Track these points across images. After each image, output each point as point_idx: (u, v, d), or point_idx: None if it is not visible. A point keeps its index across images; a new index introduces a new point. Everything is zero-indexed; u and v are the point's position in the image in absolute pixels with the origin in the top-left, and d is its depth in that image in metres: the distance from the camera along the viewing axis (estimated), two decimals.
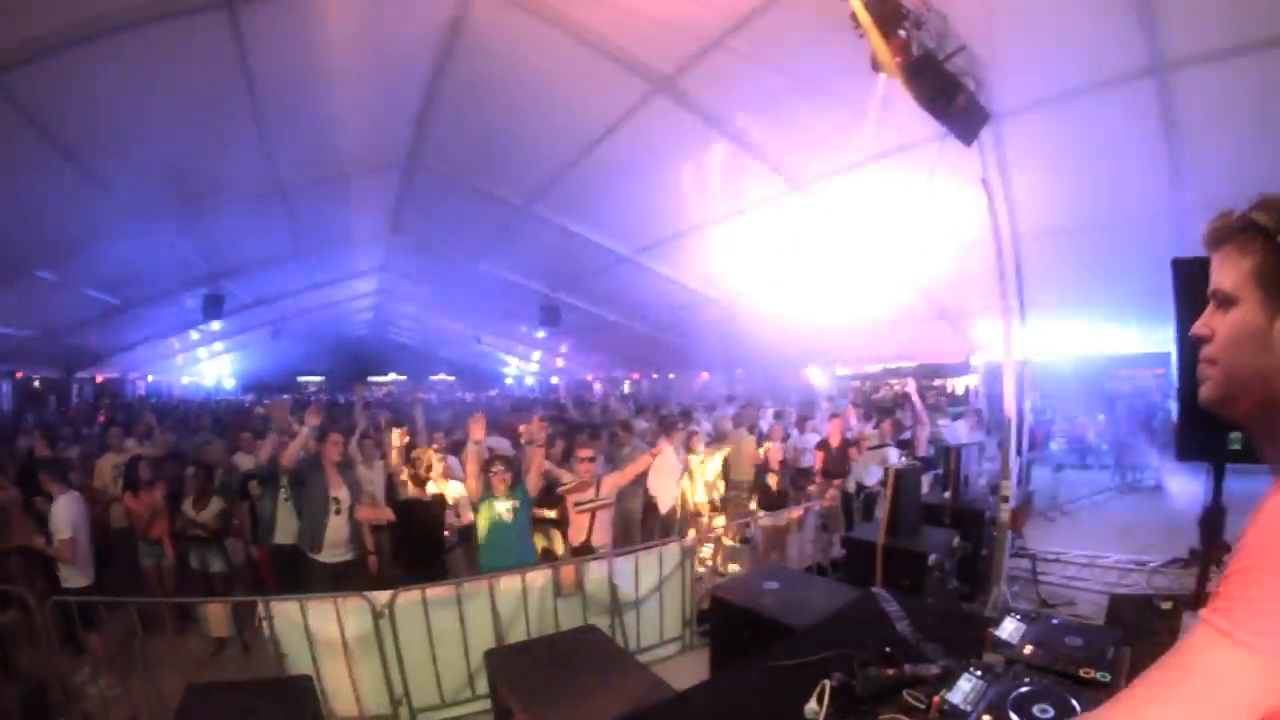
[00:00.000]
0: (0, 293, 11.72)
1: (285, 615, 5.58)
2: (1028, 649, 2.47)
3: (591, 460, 6.70)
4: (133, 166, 8.98)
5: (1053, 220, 8.13)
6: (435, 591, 5.84)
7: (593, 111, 8.78)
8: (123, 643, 5.91)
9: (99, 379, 23.62)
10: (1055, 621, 2.69)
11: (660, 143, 9.10)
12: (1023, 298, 7.50)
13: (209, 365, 29.71)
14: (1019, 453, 7.21)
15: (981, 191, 6.84)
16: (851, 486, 8.88)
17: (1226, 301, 1.15)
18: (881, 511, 6.34)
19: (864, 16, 5.10)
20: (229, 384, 32.98)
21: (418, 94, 8.88)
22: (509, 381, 37.33)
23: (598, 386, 28.76)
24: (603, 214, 12.00)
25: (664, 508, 8.85)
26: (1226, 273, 1.15)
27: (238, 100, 8.04)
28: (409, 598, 5.72)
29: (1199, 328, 1.21)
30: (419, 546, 6.62)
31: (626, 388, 27.46)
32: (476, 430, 6.15)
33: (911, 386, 10.25)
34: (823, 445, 9.92)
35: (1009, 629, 2.60)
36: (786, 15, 6.38)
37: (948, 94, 5.40)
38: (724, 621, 4.96)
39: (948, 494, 7.50)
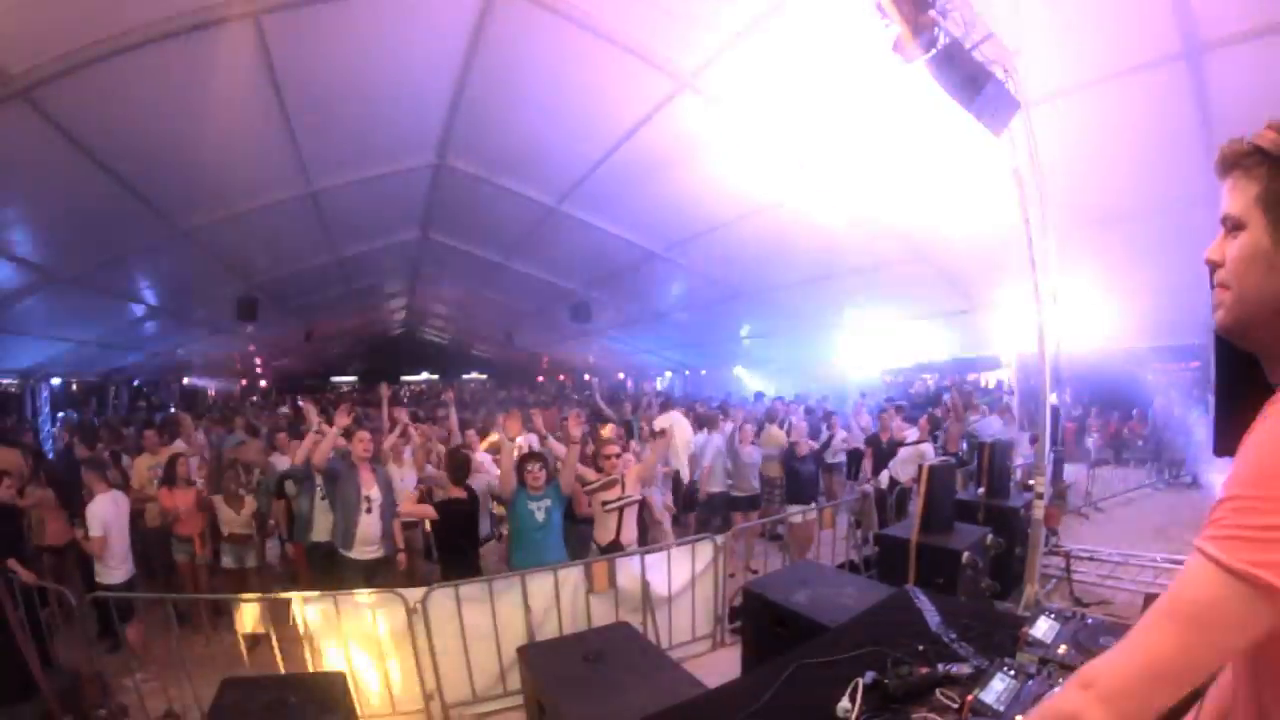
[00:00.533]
0: (38, 298, 11.98)
1: (319, 611, 5.67)
2: (1061, 648, 2.45)
3: (618, 456, 6.67)
4: (166, 175, 9.11)
5: (1085, 209, 8.01)
6: (468, 588, 5.89)
7: (619, 108, 8.75)
8: (159, 637, 6.05)
9: (135, 381, 24.08)
10: (1090, 621, 2.66)
11: (688, 138, 9.07)
12: (1055, 289, 7.38)
13: (243, 366, 30.04)
14: (1052, 448, 7.08)
15: (1012, 181, 6.75)
16: (885, 482, 8.82)
17: (1236, 226, 1.18)
18: (915, 508, 6.28)
19: (889, 5, 5.07)
20: (263, 384, 33.38)
21: (445, 97, 8.90)
22: (541, 379, 37.43)
23: (630, 383, 28.77)
24: (633, 211, 11.96)
25: (686, 478, 8.83)
26: (1235, 198, 1.19)
27: (267, 107, 8.13)
28: (442, 594, 5.76)
29: (1210, 253, 1.25)
30: (455, 545, 6.64)
31: (660, 384, 27.45)
32: (513, 427, 6.18)
33: (949, 381, 10.17)
34: (873, 441, 9.84)
35: (1043, 628, 2.58)
36: (810, 6, 6.34)
37: (976, 83, 5.31)
38: (756, 618, 4.95)
39: (981, 490, 7.41)
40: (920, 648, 2.79)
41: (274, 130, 8.74)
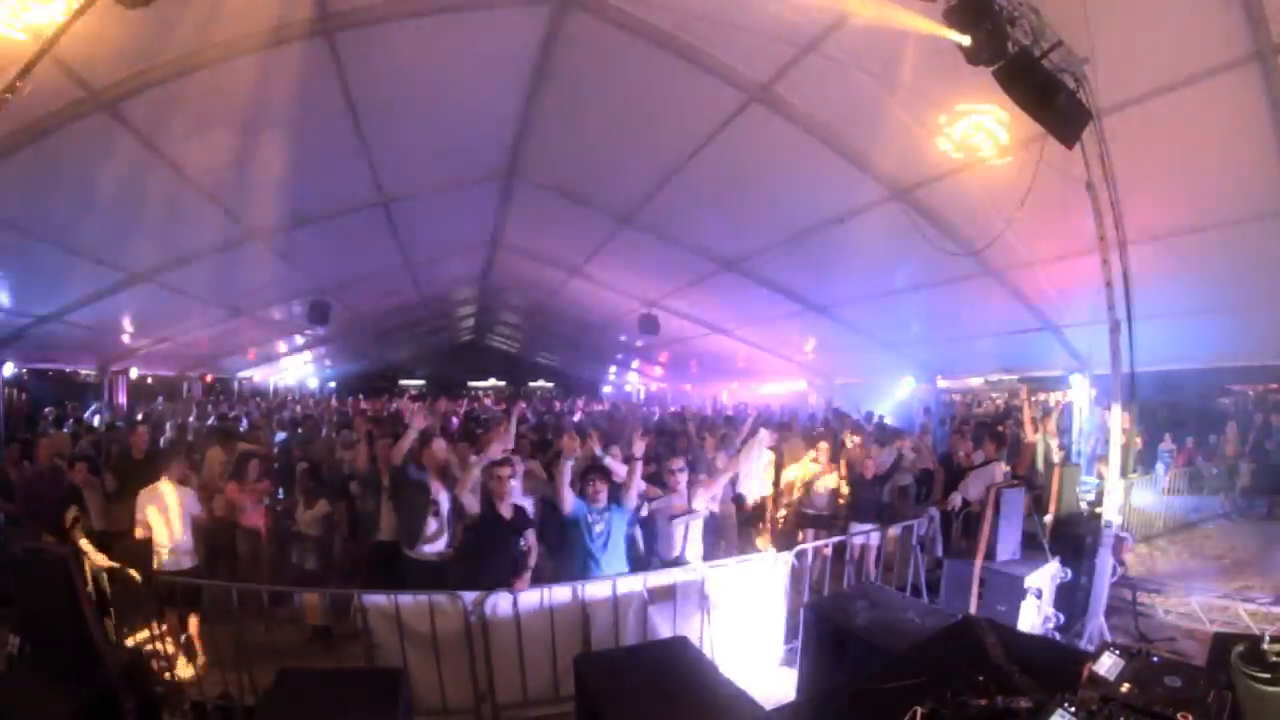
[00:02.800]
0: (119, 297, 12.51)
1: (379, 609, 5.79)
2: (1125, 687, 2.41)
3: (682, 471, 6.69)
4: (242, 185, 9.46)
5: (1160, 223, 7.77)
6: (527, 594, 5.96)
7: (689, 122, 8.78)
8: (220, 623, 6.25)
9: (208, 378, 24.91)
10: (1155, 660, 2.62)
11: (757, 151, 9.07)
12: (1129, 306, 7.15)
13: (315, 367, 30.78)
14: (1123, 474, 6.84)
15: (1085, 195, 6.58)
16: (957, 504, 8.59)
17: None
18: (981, 532, 6.16)
19: (957, 13, 5.01)
20: (333, 384, 34.19)
21: (515, 110, 9.08)
22: (607, 390, 37.61)
23: (694, 395, 28.76)
24: (701, 224, 12.02)
25: (750, 500, 8.78)
26: None
27: (341, 121, 8.43)
28: (501, 598, 5.86)
29: None
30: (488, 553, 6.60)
31: (724, 397, 27.36)
32: (570, 447, 6.27)
33: (1024, 398, 9.91)
34: (945, 461, 9.69)
35: (1106, 664, 2.54)
36: (879, 15, 6.27)
37: (1047, 93, 5.18)
38: (816, 638, 4.96)
39: (1049, 517, 7.21)
40: (980, 678, 2.76)
41: (347, 142, 9.01)
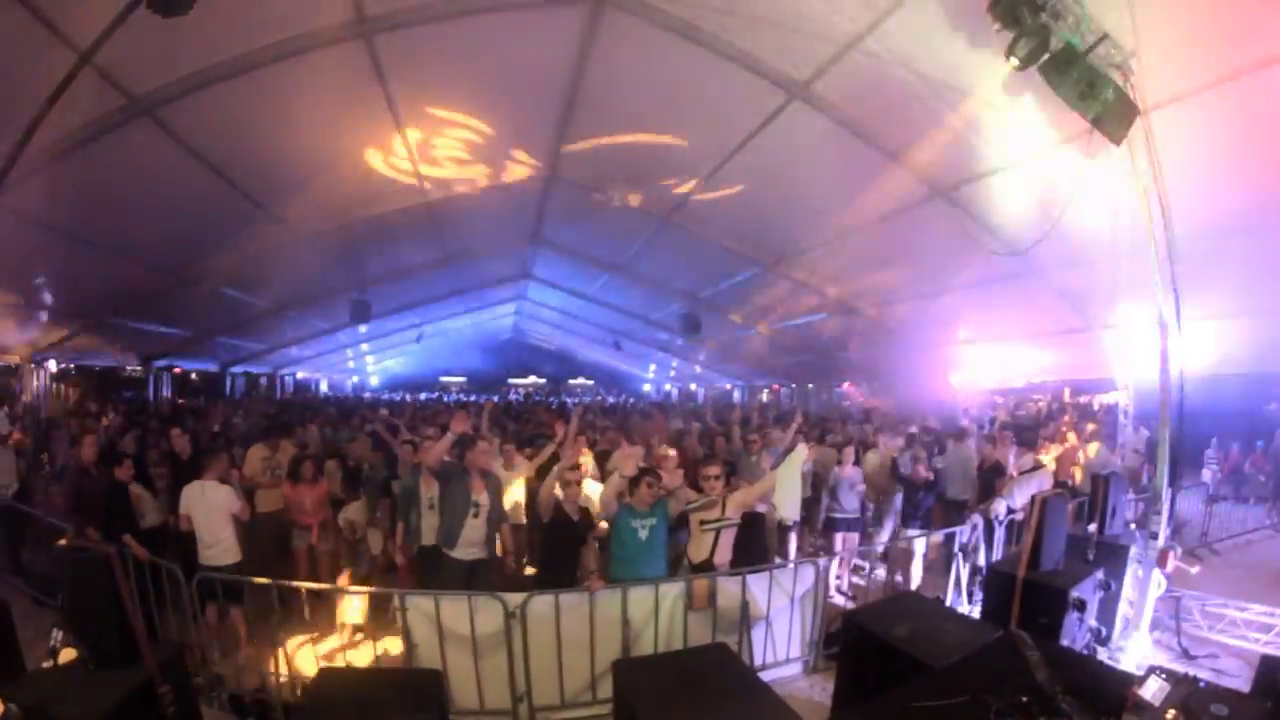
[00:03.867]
0: (165, 295, 12.89)
1: (419, 608, 5.85)
2: (1170, 714, 2.39)
3: (717, 479, 6.60)
4: (284, 185, 9.76)
5: (1211, 221, 7.51)
6: (567, 597, 5.98)
7: (728, 121, 8.81)
8: (261, 618, 6.38)
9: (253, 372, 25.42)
10: (1202, 685, 2.59)
11: (798, 150, 9.04)
12: (1179, 307, 6.97)
13: (356, 364, 31.17)
14: (1170, 483, 6.66)
15: (1133, 192, 6.44)
16: (1001, 512, 8.43)
17: None
18: (1024, 541, 6.04)
19: (1000, 9, 4.95)
20: (374, 381, 34.60)
21: (554, 111, 9.16)
22: (647, 388, 37.64)
23: (736, 395, 28.71)
24: (742, 223, 12.01)
25: (788, 520, 8.75)
26: None
27: (381, 122, 8.58)
28: (541, 600, 5.88)
29: None
30: (558, 558, 6.65)
31: (765, 396, 27.26)
32: (627, 466, 6.31)
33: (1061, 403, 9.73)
34: (979, 467, 9.62)
35: (1152, 689, 2.52)
36: (918, 12, 6.23)
37: (1094, 89, 5.12)
38: (855, 648, 4.93)
39: (1093, 526, 7.01)
40: (1024, 698, 2.75)
41: (388, 143, 9.19)
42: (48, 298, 11.65)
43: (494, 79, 8.26)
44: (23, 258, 9.59)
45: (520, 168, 11.04)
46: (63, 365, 16.86)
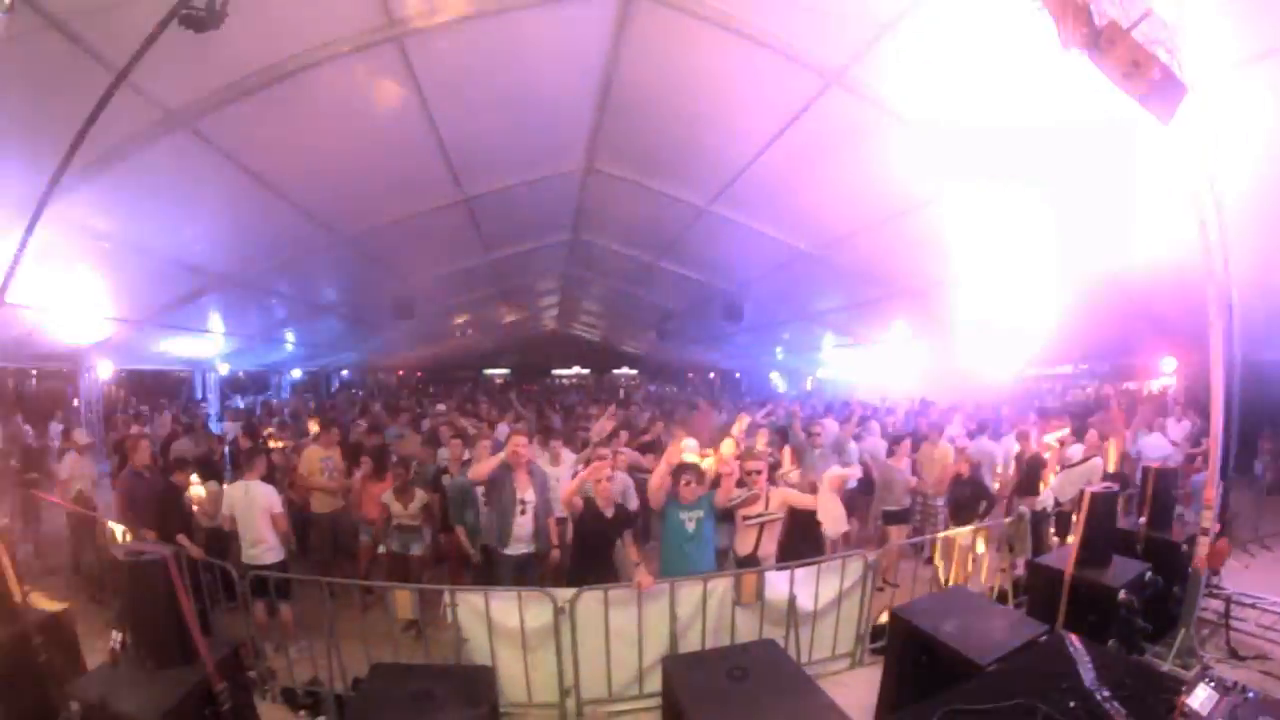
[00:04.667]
0: (210, 298, 13.24)
1: (469, 603, 5.98)
2: None
3: (759, 473, 6.64)
4: (325, 189, 9.93)
5: (1265, 199, 7.25)
6: (616, 591, 6.04)
7: (766, 108, 8.71)
8: (313, 613, 6.53)
9: (298, 373, 25.99)
10: (1251, 695, 2.56)
11: (838, 136, 8.95)
12: (1233, 290, 6.74)
13: (401, 358, 31.58)
14: (1222, 475, 6.50)
15: (1182, 171, 6.26)
16: (1050, 503, 8.32)
17: None
18: (1072, 537, 5.94)
19: None
20: (419, 374, 35.04)
21: (590, 102, 9.19)
22: (690, 376, 37.66)
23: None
24: (784, 210, 11.89)
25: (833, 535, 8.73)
26: None
27: (416, 122, 8.67)
28: (591, 596, 5.95)
29: None
30: (587, 557, 6.63)
31: (809, 384, 27.12)
32: (674, 453, 6.35)
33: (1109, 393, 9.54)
34: (1019, 457, 9.48)
35: (1200, 698, 2.51)
36: None
37: (1139, 68, 4.93)
38: (902, 644, 4.95)
39: (1143, 520, 6.89)
40: (1071, 704, 2.77)
41: (425, 143, 9.27)
42: (103, 302, 12.02)
43: (528, 74, 8.24)
44: (77, 264, 9.85)
45: (558, 160, 11.08)
46: (118, 370, 17.38)
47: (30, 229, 5.45)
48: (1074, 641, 3.40)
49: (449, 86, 8.09)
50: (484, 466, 6.85)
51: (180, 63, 6.01)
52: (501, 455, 6.78)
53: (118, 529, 7.25)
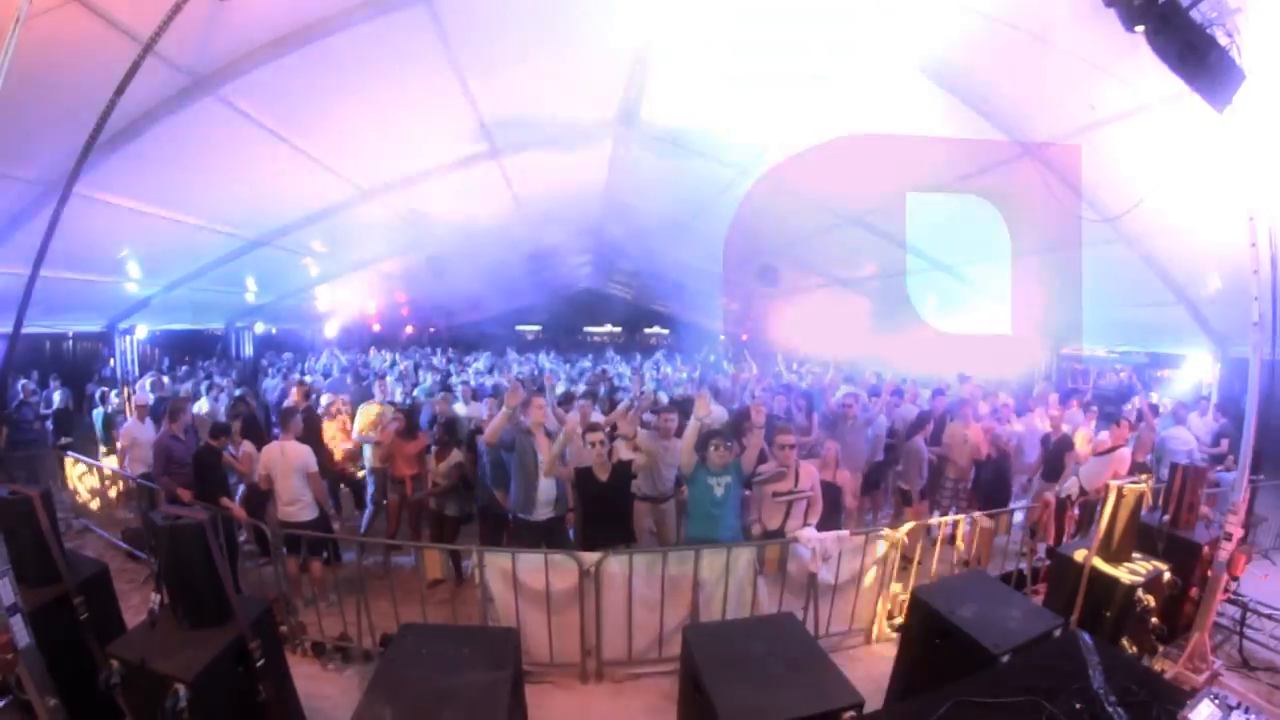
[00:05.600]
0: (239, 262, 13.58)
1: (496, 565, 6.12)
2: None
3: (791, 448, 6.64)
4: (348, 149, 10.10)
5: None
6: (642, 557, 6.18)
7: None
8: (342, 569, 6.98)
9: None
10: (1253, 717, 2.59)
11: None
12: (1276, 285, 6.59)
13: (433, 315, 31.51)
14: (1252, 477, 6.25)
15: (1233, 160, 6.10)
16: (1074, 490, 8.20)
17: None
18: (1096, 527, 5.96)
19: None
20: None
21: (626, 58, 9.14)
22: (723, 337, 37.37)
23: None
24: (825, 180, 11.85)
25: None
26: None
27: (445, 79, 8.74)
28: (616, 560, 6.06)
29: None
30: (597, 524, 6.72)
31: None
32: (701, 407, 6.40)
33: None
34: (1044, 441, 9.44)
35: (1203, 714, 2.57)
36: None
37: (1196, 51, 4.86)
38: (919, 625, 5.01)
39: (1166, 517, 6.70)
40: (1077, 705, 2.84)
41: (454, 99, 9.35)
42: (133, 268, 12.39)
43: (561, 29, 8.18)
44: (108, 233, 10.21)
45: (591, 119, 11.06)
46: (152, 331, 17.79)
47: (64, 199, 5.55)
48: (1087, 642, 3.47)
49: (478, 39, 8.09)
50: (494, 425, 6.83)
51: (205, 29, 6.20)
52: (505, 413, 6.73)
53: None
